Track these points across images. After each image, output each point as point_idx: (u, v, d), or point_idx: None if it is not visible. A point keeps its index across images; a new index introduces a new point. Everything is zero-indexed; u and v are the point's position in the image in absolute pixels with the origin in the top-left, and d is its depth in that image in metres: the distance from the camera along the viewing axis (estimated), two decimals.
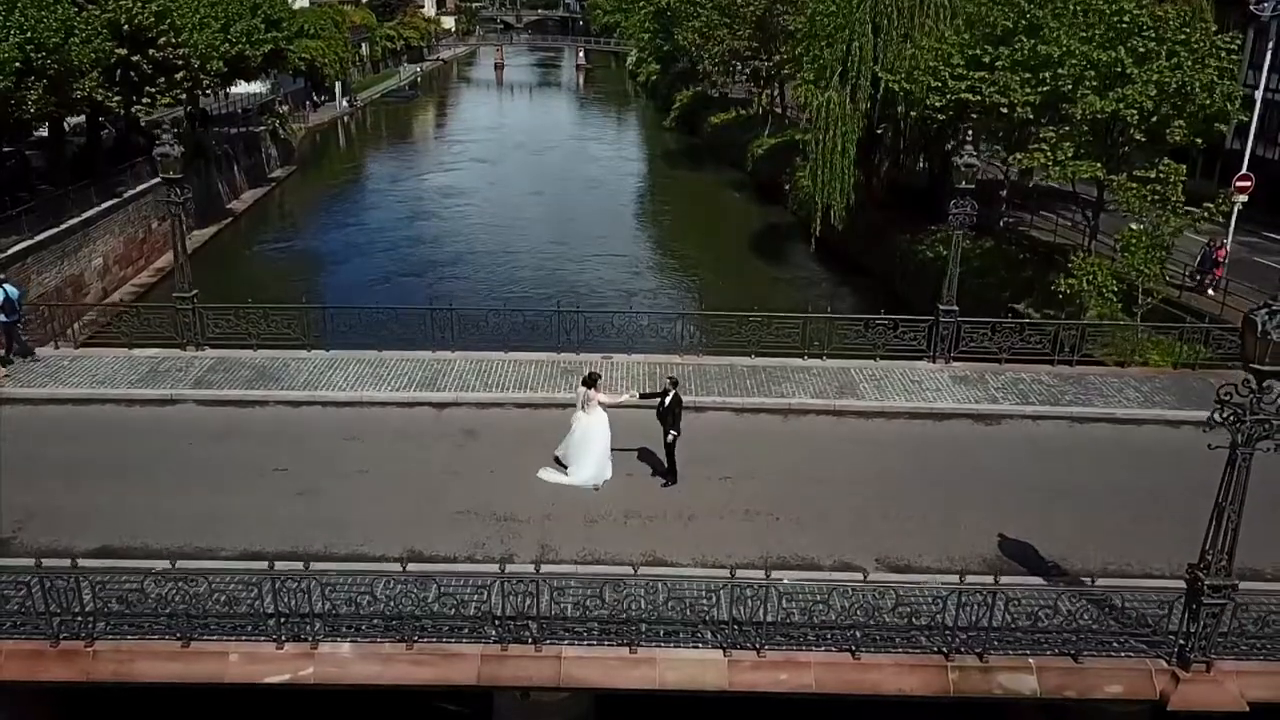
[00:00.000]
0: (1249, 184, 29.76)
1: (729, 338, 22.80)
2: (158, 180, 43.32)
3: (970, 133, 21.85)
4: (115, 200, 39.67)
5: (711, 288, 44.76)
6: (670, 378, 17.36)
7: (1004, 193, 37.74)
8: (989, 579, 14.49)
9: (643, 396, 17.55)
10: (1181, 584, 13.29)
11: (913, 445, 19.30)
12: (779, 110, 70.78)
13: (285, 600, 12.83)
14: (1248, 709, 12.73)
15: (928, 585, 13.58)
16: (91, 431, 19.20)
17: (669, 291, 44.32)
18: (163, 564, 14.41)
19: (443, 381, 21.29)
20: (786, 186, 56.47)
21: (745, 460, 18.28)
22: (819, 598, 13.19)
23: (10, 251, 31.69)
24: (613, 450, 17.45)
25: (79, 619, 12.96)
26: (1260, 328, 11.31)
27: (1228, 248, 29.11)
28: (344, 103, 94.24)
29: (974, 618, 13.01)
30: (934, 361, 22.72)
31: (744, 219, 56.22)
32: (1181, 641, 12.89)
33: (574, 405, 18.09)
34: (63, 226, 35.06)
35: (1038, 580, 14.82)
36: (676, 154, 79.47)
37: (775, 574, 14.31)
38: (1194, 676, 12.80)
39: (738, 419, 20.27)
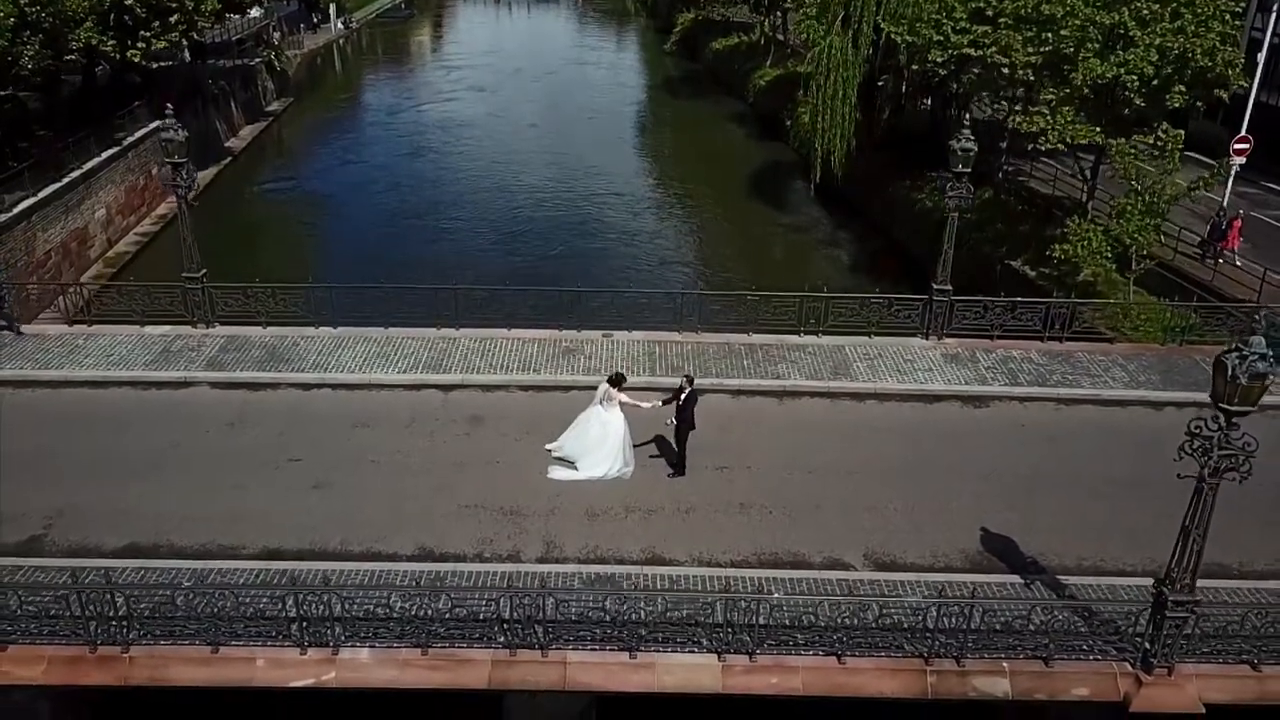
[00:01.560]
0: (1247, 146, 29.83)
1: (727, 316, 23.28)
2: (156, 124, 43.66)
3: (969, 117, 21.94)
4: (115, 149, 39.67)
5: (712, 231, 45.22)
6: (686, 375, 17.90)
7: (1004, 144, 37.67)
8: (969, 578, 15.57)
9: (664, 403, 18.00)
10: (1148, 581, 14.18)
11: (903, 430, 19.98)
12: (781, 38, 69.68)
13: (307, 610, 13.66)
14: (1204, 711, 13.69)
15: (908, 599, 14.31)
16: (110, 417, 19.86)
17: (669, 235, 44.64)
18: (190, 565, 15.37)
19: (448, 362, 21.89)
20: (788, 122, 55.98)
21: (741, 448, 18.99)
22: (807, 610, 13.98)
23: (16, 211, 31.94)
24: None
25: (114, 626, 13.80)
26: (1230, 370, 11.86)
27: (1241, 218, 28.99)
28: (339, 24, 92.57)
29: (952, 624, 13.86)
30: (927, 339, 23.28)
31: (745, 155, 56.03)
32: (1146, 646, 13.77)
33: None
34: (65, 181, 35.19)
35: (1016, 579, 15.68)
36: (677, 81, 78.50)
37: (770, 573, 15.33)
38: (1156, 680, 13.73)
39: (734, 402, 20.92)
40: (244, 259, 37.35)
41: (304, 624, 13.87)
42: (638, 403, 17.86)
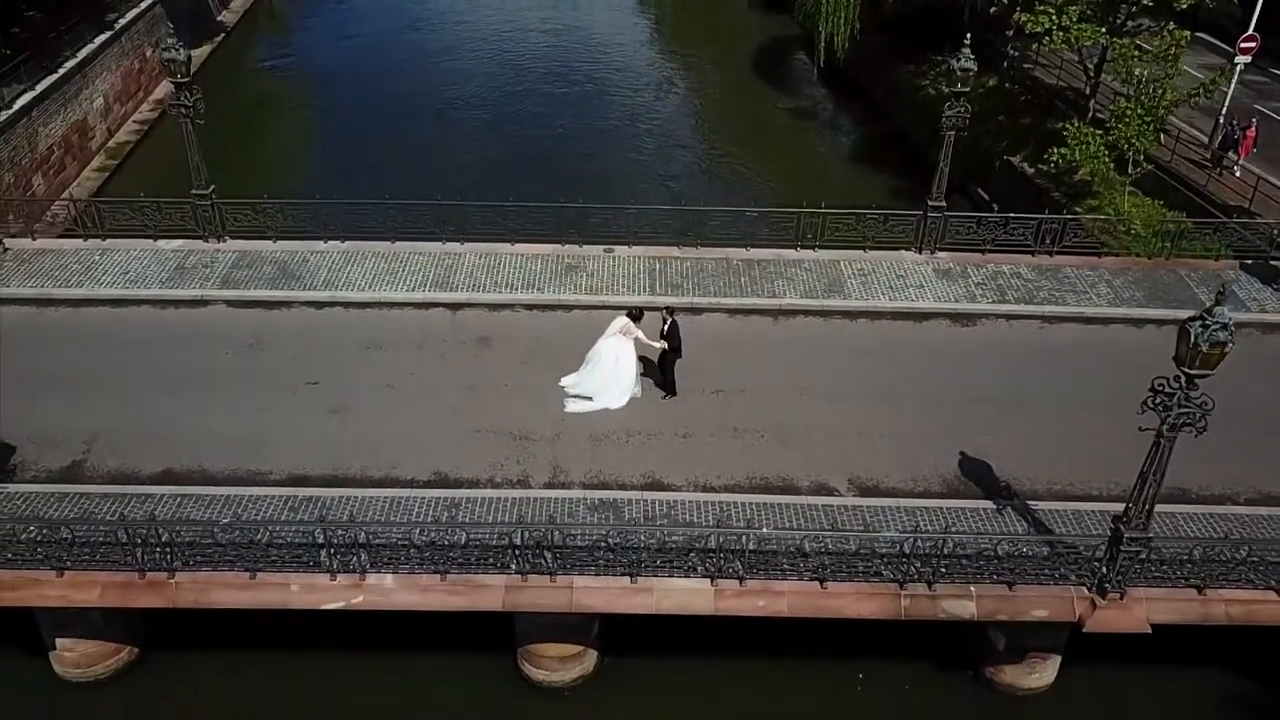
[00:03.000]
0: (1254, 45, 29.49)
1: (726, 232, 23.79)
2: (149, 2, 42.80)
3: (968, 35, 21.91)
4: (109, 34, 39.03)
5: (713, 112, 44.86)
6: (666, 308, 18.71)
7: (1010, 33, 37.06)
8: (945, 504, 16.83)
9: (663, 350, 18.85)
10: (1110, 506, 15.48)
11: (892, 351, 20.88)
12: None
13: (335, 539, 14.93)
14: (1150, 630, 15.13)
15: (885, 535, 15.49)
16: (133, 337, 20.76)
17: (670, 115, 44.28)
18: (223, 491, 16.59)
19: (455, 279, 22.60)
20: None
21: (736, 371, 19.94)
22: (792, 542, 15.23)
23: (16, 108, 31.84)
24: None
25: (160, 553, 15.09)
26: (1192, 338, 12.69)
27: (1256, 128, 28.73)
28: None
29: (925, 552, 15.14)
30: (920, 253, 23.90)
31: (749, 30, 54.83)
32: (1103, 572, 15.08)
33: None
34: (61, 72, 34.85)
35: (989, 504, 16.89)
36: None
37: (760, 498, 16.60)
38: (1109, 604, 15.12)
39: (731, 321, 21.77)
40: (248, 144, 37.52)
41: (333, 552, 15.14)
42: (651, 343, 18.65)
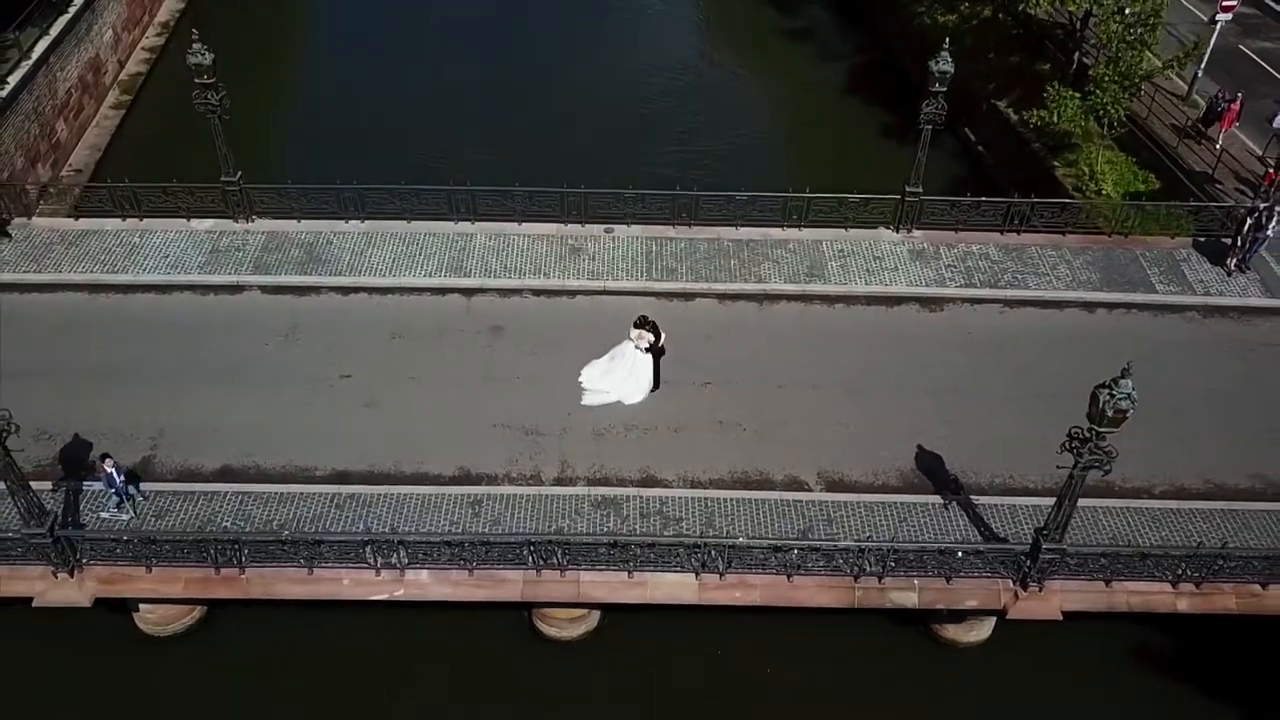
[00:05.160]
0: (1234, 4, 30.37)
1: (718, 212, 25.62)
2: None
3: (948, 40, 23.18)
4: None
5: (710, 31, 45.42)
6: (651, 324, 20.98)
7: None
8: (900, 498, 19.52)
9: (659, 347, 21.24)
10: (1042, 500, 18.21)
11: (864, 338, 23.14)
12: None
13: (381, 549, 17.75)
14: (1061, 618, 18.10)
15: (842, 544, 18.16)
16: (178, 325, 22.92)
17: (668, 30, 44.85)
18: (276, 489, 19.26)
19: (468, 263, 24.65)
20: None
21: (724, 362, 22.26)
22: (761, 555, 17.99)
23: (35, 56, 32.85)
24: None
25: (232, 553, 17.91)
26: (1100, 403, 15.05)
27: (1241, 101, 29.41)
28: None
29: (876, 555, 17.93)
30: (897, 231, 25.81)
31: None
32: (1026, 570, 17.92)
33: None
34: (72, 11, 35.61)
35: (937, 499, 19.56)
36: None
37: (741, 494, 19.25)
38: (1029, 595, 18.02)
39: (720, 307, 23.95)
40: (258, 77, 38.32)
41: (376, 551, 17.95)
42: (650, 343, 21.06)
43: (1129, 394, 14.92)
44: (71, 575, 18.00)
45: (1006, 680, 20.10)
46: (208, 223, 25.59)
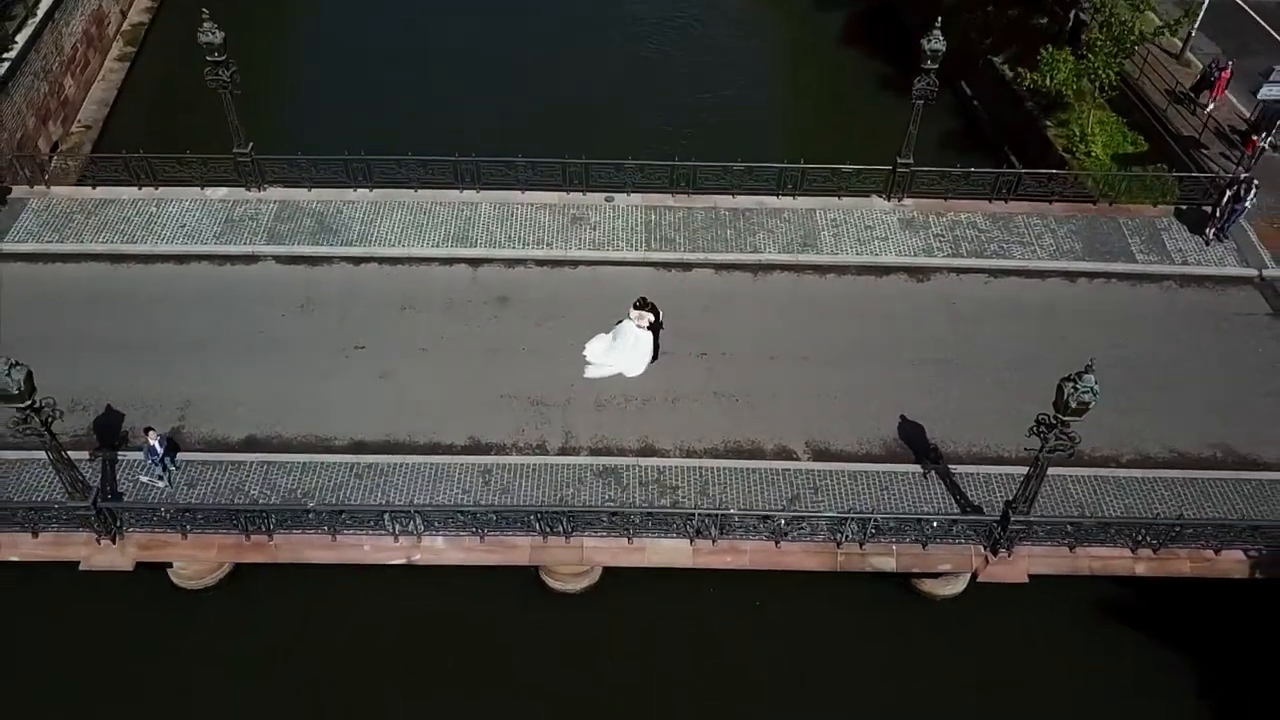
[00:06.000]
0: None
1: (716, 181, 26.44)
2: None
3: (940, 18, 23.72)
4: None
5: None
6: (651, 306, 22.05)
7: None
8: (883, 467, 20.85)
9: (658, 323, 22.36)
10: (1016, 469, 19.51)
11: (854, 308, 24.22)
12: None
13: (399, 519, 19.16)
14: (1028, 580, 19.60)
15: (826, 515, 19.52)
16: (197, 296, 24.02)
17: None
18: (298, 459, 20.61)
19: (473, 233, 25.60)
20: None
21: (719, 332, 23.42)
22: (751, 523, 19.39)
23: (41, 14, 33.18)
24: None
25: (261, 520, 19.34)
26: (1064, 395, 16.26)
27: (1232, 69, 29.60)
28: None
29: (858, 522, 19.35)
30: (889, 200, 26.68)
31: None
32: (996, 537, 19.36)
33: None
34: None
35: (917, 468, 20.89)
36: None
37: (733, 463, 20.56)
38: (999, 560, 19.50)
39: (717, 278, 24.97)
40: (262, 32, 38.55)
41: (394, 518, 19.37)
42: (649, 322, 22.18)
43: (1091, 388, 16.11)
44: (114, 541, 19.45)
45: (979, 629, 21.61)
46: (221, 191, 26.45)
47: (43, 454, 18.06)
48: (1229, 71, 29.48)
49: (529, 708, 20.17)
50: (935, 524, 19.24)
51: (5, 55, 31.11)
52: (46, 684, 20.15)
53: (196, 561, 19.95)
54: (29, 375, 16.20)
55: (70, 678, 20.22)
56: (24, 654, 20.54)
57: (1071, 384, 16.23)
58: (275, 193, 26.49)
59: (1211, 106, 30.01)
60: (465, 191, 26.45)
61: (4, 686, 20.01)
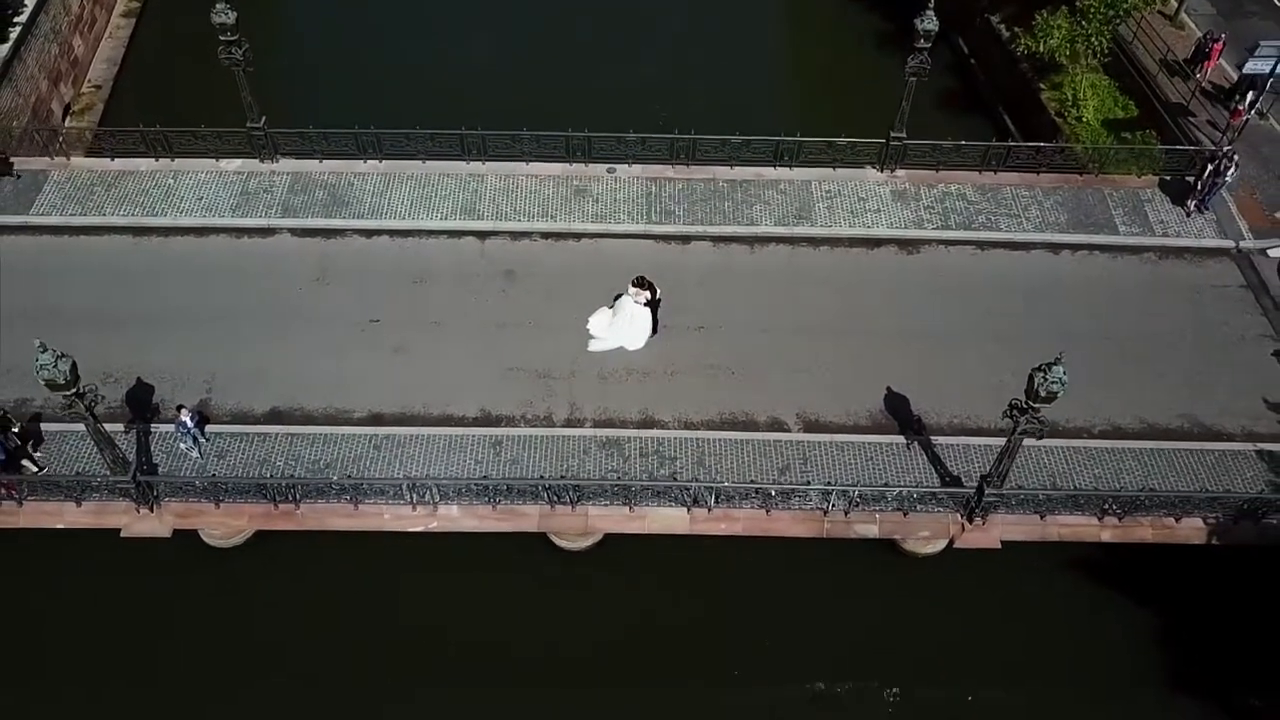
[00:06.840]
0: None
1: (713, 154, 27.28)
2: None
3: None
4: None
5: None
6: (649, 284, 23.12)
7: None
8: (868, 439, 22.20)
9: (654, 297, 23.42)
10: (994, 440, 20.82)
11: (845, 281, 25.30)
12: None
13: (418, 490, 20.61)
14: (1000, 546, 21.11)
15: (814, 487, 20.91)
16: (216, 268, 25.07)
17: None
18: (319, 431, 21.98)
19: (480, 205, 26.56)
20: None
21: (716, 306, 24.55)
22: (743, 494, 20.82)
23: None
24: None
25: (287, 490, 20.80)
26: (1035, 383, 17.50)
27: (1224, 42, 30.05)
28: None
29: (843, 493, 20.79)
30: (881, 171, 27.55)
31: None
32: (972, 506, 20.81)
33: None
34: None
35: (900, 439, 22.26)
36: None
37: (728, 435, 21.91)
38: (974, 527, 20.99)
39: (714, 250, 26.01)
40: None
41: (413, 489, 20.81)
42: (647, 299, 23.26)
43: (1060, 379, 17.34)
44: (151, 510, 20.92)
45: (957, 584, 23.15)
46: (235, 163, 27.33)
47: (80, 426, 19.40)
48: (1222, 44, 30.00)
49: (534, 660, 21.80)
50: (915, 496, 20.65)
51: (16, 19, 31.63)
52: (92, 639, 21.81)
53: (227, 527, 21.38)
54: (74, 366, 17.43)
55: (112, 635, 21.86)
56: (69, 613, 22.14)
57: (1041, 374, 17.46)
58: (288, 164, 27.36)
59: (1204, 77, 30.58)
60: (472, 163, 27.31)
61: (53, 641, 21.70)
